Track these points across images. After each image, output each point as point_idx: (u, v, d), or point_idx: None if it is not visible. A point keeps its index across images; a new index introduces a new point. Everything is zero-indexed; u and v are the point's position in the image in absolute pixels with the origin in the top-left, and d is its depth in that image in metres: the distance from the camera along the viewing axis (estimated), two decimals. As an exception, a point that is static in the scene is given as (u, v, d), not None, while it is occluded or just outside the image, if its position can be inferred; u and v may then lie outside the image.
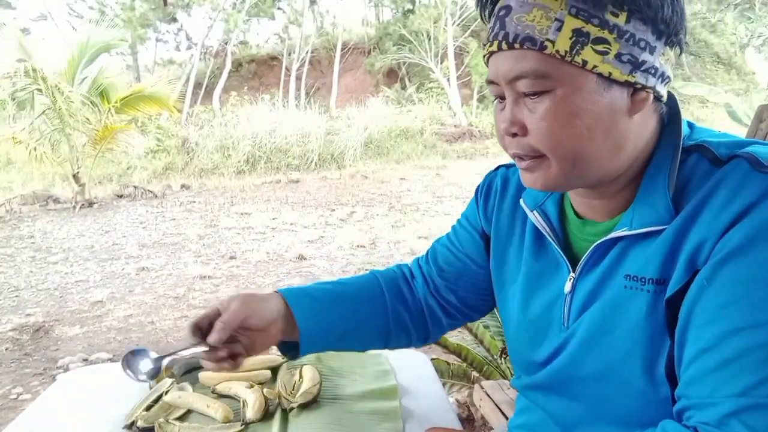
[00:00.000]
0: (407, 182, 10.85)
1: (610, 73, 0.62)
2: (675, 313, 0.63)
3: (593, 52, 0.61)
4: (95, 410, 1.08)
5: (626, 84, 0.63)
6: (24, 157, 9.15)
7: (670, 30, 0.64)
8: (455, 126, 16.30)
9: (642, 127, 0.67)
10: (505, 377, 2.33)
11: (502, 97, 0.68)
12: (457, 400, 2.53)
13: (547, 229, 0.77)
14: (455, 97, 17.67)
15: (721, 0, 20.13)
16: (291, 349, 0.88)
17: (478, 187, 0.93)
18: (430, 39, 18.77)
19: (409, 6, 21.16)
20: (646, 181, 0.67)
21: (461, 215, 0.97)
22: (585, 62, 0.61)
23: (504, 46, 0.64)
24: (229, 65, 19.82)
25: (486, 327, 2.49)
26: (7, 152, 10.24)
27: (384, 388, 1.13)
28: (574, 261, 0.74)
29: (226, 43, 20.60)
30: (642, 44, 0.63)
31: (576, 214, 0.77)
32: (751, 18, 19.39)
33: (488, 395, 2.09)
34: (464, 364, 2.46)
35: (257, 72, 21.43)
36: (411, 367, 1.24)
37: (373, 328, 0.92)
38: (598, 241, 0.70)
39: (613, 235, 0.68)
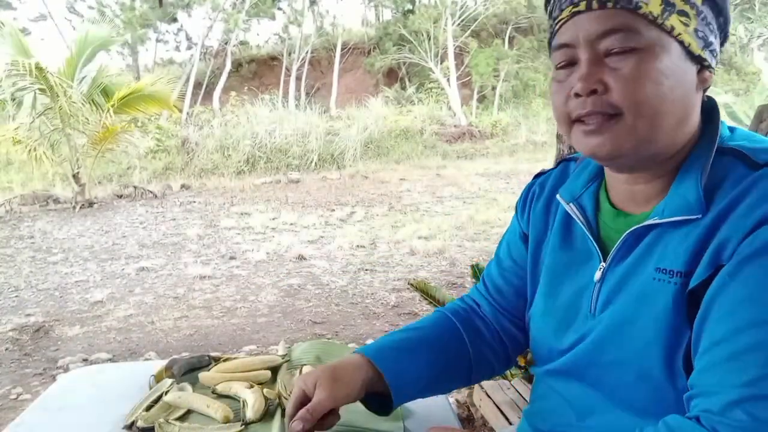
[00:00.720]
0: (407, 182, 10.85)
1: (689, 44, 0.66)
2: (695, 305, 0.65)
3: (678, 20, 0.65)
4: (95, 410, 1.08)
5: (697, 59, 0.67)
6: (24, 157, 9.15)
7: (726, 27, 0.70)
8: (455, 126, 16.31)
9: (696, 110, 0.70)
10: (505, 377, 2.33)
11: (569, 64, 0.70)
12: (457, 400, 2.53)
13: (583, 221, 0.79)
14: (455, 97, 17.68)
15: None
16: (375, 404, 0.87)
17: (518, 200, 0.96)
18: (430, 39, 18.78)
19: (409, 6, 21.17)
20: (681, 172, 0.70)
21: (503, 239, 0.98)
22: (672, 28, 0.65)
23: (595, 5, 0.66)
24: (229, 65, 19.82)
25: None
26: (6, 152, 10.23)
27: (384, 388, 1.12)
28: (604, 252, 0.77)
29: (226, 43, 20.61)
30: (711, 27, 0.68)
31: (612, 205, 0.79)
32: (751, 18, 19.40)
33: (488, 395, 2.09)
34: (464, 364, 2.46)
35: (257, 72, 21.45)
36: (411, 367, 1.24)
37: (457, 369, 0.90)
38: (630, 229, 0.72)
39: (645, 223, 0.70)
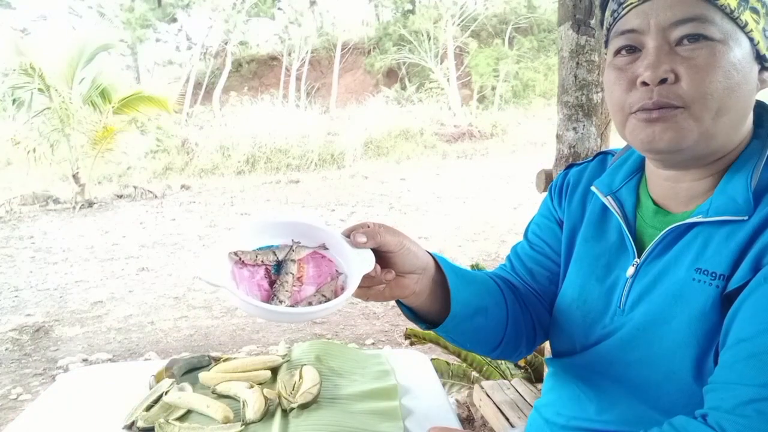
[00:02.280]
0: (407, 182, 10.84)
1: (758, 42, 0.65)
2: (730, 306, 0.64)
3: (751, 17, 0.64)
4: (95, 410, 1.08)
5: (761, 59, 0.66)
6: (24, 157, 9.15)
7: None
8: (455, 126, 16.30)
9: (751, 111, 0.69)
10: (504, 377, 2.33)
11: (632, 50, 0.67)
12: (457, 400, 2.53)
13: (620, 214, 0.77)
14: (455, 97, 17.67)
15: (721, 0, 20.11)
16: (422, 322, 0.82)
17: (551, 184, 0.94)
18: (430, 39, 18.78)
19: (409, 6, 21.17)
20: (730, 172, 0.68)
21: (532, 222, 0.95)
22: (746, 23, 0.64)
23: None
24: (229, 65, 19.83)
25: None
26: (6, 152, 10.23)
27: (384, 388, 1.12)
28: (639, 247, 0.75)
29: (226, 43, 20.61)
30: None
31: (652, 201, 0.77)
32: (751, 18, 19.40)
33: (488, 395, 2.09)
34: (464, 364, 2.46)
35: (257, 72, 21.45)
36: (411, 367, 1.24)
37: (498, 316, 0.85)
38: (671, 226, 0.70)
39: (687, 221, 0.68)
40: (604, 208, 0.81)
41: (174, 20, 21.93)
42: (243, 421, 0.99)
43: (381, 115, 15.63)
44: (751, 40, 0.64)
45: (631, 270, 0.74)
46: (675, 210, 0.74)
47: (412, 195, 9.60)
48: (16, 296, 4.96)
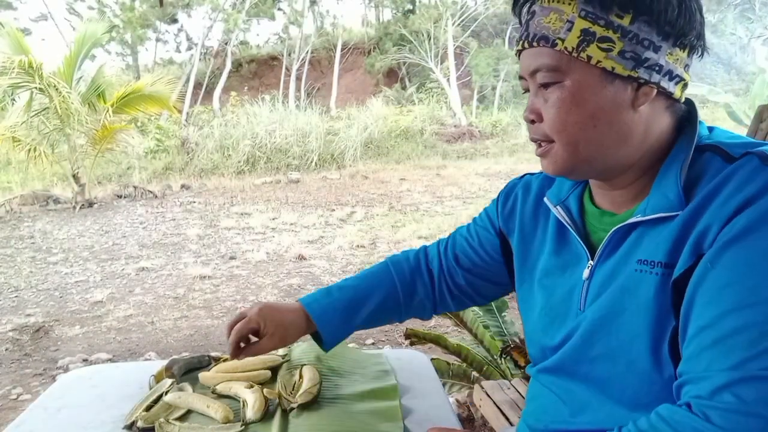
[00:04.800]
0: (407, 182, 10.84)
1: (613, 68, 0.69)
2: (680, 295, 0.66)
3: (598, 49, 0.69)
4: (95, 410, 1.08)
5: (629, 78, 0.70)
6: (23, 156, 9.15)
7: (676, 31, 0.69)
8: (455, 126, 16.30)
9: (651, 121, 0.73)
10: (505, 377, 2.33)
11: (527, 91, 0.78)
12: (457, 400, 2.53)
13: (568, 221, 0.83)
14: (455, 97, 17.67)
15: (721, 0, 20.14)
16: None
17: (503, 189, 1.02)
18: (430, 39, 18.78)
19: (409, 6, 21.18)
20: (660, 173, 0.73)
21: (482, 211, 1.05)
22: (590, 57, 0.69)
23: (526, 44, 0.74)
24: (229, 65, 19.82)
25: (486, 327, 2.49)
26: (6, 152, 10.23)
27: (384, 388, 1.13)
28: (593, 250, 0.80)
29: (226, 44, 20.61)
30: (646, 43, 0.69)
31: (596, 206, 0.83)
32: (751, 18, 19.41)
33: (488, 395, 2.09)
34: (464, 364, 2.46)
35: (257, 72, 21.44)
36: (411, 367, 1.24)
37: (387, 314, 1.07)
38: (616, 227, 0.75)
39: (628, 221, 0.73)
40: (562, 222, 0.86)
41: (174, 20, 21.93)
42: (243, 421, 0.99)
43: (381, 115, 15.61)
44: (603, 69, 0.69)
45: (586, 272, 0.79)
46: (617, 211, 0.79)
47: (412, 195, 9.60)
48: (16, 296, 4.96)
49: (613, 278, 0.74)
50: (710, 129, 0.76)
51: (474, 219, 1.06)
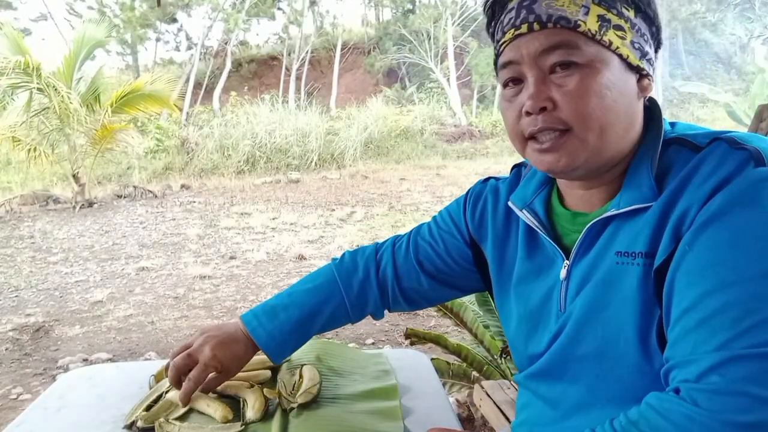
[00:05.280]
0: (407, 182, 10.85)
1: (627, 56, 0.69)
2: (662, 282, 0.66)
3: (615, 35, 0.69)
4: (95, 410, 1.08)
5: (636, 69, 0.71)
6: (23, 156, 9.14)
7: (658, 35, 0.74)
8: (455, 126, 16.30)
9: (640, 116, 0.74)
10: (505, 377, 2.33)
11: (515, 81, 0.73)
12: (457, 400, 2.53)
13: (537, 225, 0.81)
14: (455, 97, 17.67)
15: (721, 0, 20.14)
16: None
17: (467, 193, 0.98)
18: (430, 39, 18.78)
19: (409, 6, 21.17)
20: (631, 169, 0.73)
21: (443, 212, 1.01)
22: (611, 42, 0.68)
23: (536, 26, 0.69)
24: (229, 65, 19.82)
25: (486, 327, 2.48)
26: (6, 152, 10.23)
27: (384, 388, 1.12)
28: (566, 251, 0.78)
29: (226, 43, 20.61)
30: (645, 38, 0.72)
31: (565, 208, 0.81)
32: (751, 18, 19.41)
33: (488, 395, 2.09)
34: (464, 364, 2.46)
35: (257, 72, 21.44)
36: (411, 367, 1.24)
37: (333, 320, 1.03)
38: (590, 223, 0.74)
39: (603, 215, 0.73)
40: (530, 226, 0.84)
41: (174, 20, 21.93)
42: (243, 421, 0.99)
43: (381, 114, 15.62)
44: (620, 56, 0.69)
45: (563, 272, 0.77)
46: (590, 210, 0.78)
47: (412, 195, 9.60)
48: (16, 296, 4.96)
49: (593, 274, 0.73)
50: (672, 124, 0.77)
51: (434, 220, 1.02)
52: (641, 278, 0.68)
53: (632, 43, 0.70)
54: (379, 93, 18.37)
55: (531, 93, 0.70)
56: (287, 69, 20.15)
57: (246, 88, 19.59)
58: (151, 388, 1.13)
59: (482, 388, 2.14)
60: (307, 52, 20.56)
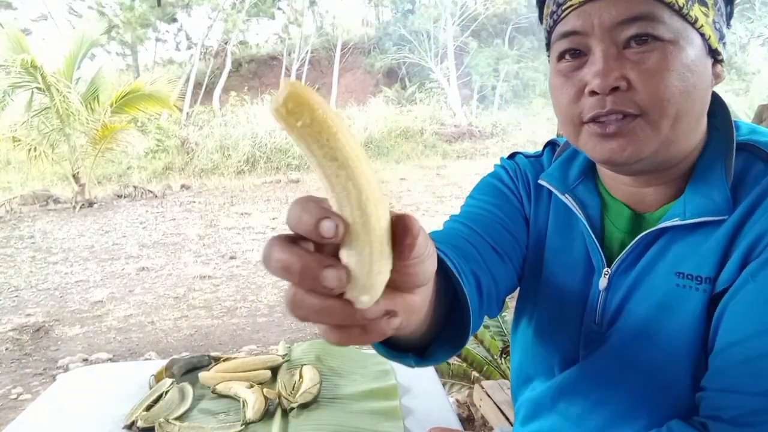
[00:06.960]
0: (407, 182, 10.84)
1: (709, 37, 0.60)
2: (715, 306, 0.60)
3: (700, 11, 0.59)
4: (95, 410, 1.08)
5: (714, 52, 0.61)
6: (23, 156, 9.14)
7: (730, 19, 0.64)
8: (455, 126, 16.29)
9: (707, 106, 0.64)
10: (505, 377, 2.32)
11: (574, 53, 0.62)
12: (457, 400, 2.53)
13: (583, 216, 0.70)
14: (455, 97, 17.66)
15: (721, 0, 20.08)
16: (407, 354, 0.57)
17: (509, 168, 0.81)
18: (430, 39, 18.77)
19: (409, 6, 21.16)
20: (699, 170, 0.63)
21: (490, 181, 0.82)
22: (696, 19, 0.58)
23: None
24: (229, 65, 19.82)
25: (486, 327, 2.49)
26: (6, 152, 10.23)
27: (384, 388, 1.12)
28: (607, 253, 0.69)
29: (226, 43, 20.60)
30: (723, 18, 0.62)
31: (621, 203, 0.71)
32: (751, 18, 19.40)
33: (488, 395, 2.09)
34: (464, 364, 2.46)
35: (257, 72, 21.43)
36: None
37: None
38: (644, 233, 0.64)
39: (661, 225, 0.63)
40: (568, 212, 0.72)
41: (174, 20, 21.92)
42: (243, 421, 0.99)
43: (381, 115, 15.62)
44: (702, 35, 0.59)
45: (603, 281, 0.68)
46: (643, 211, 0.68)
47: (412, 195, 9.60)
48: (16, 296, 4.95)
49: (638, 290, 0.65)
50: (734, 123, 0.68)
51: (478, 193, 0.80)
52: (704, 306, 0.60)
53: (714, 22, 0.60)
54: (379, 93, 18.36)
55: (599, 69, 0.58)
56: (287, 69, 20.14)
57: (246, 88, 19.58)
58: (151, 388, 1.13)
59: (482, 388, 2.14)
60: (307, 52, 20.55)
